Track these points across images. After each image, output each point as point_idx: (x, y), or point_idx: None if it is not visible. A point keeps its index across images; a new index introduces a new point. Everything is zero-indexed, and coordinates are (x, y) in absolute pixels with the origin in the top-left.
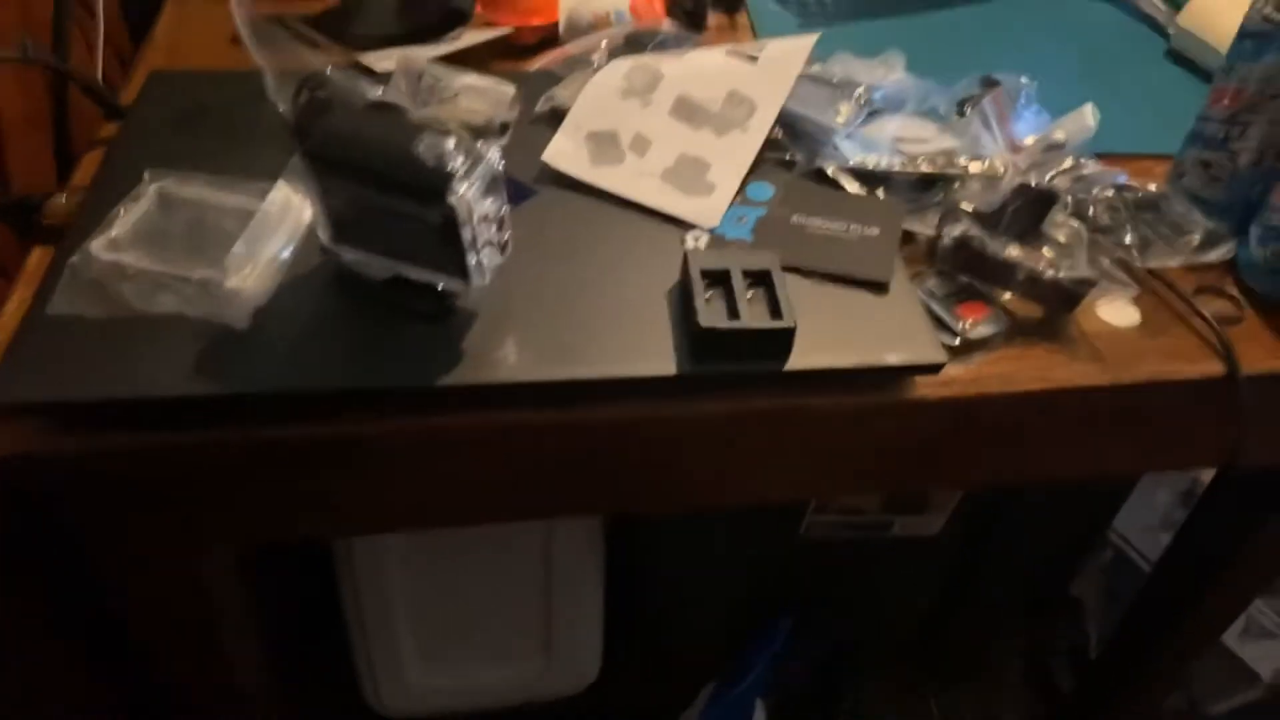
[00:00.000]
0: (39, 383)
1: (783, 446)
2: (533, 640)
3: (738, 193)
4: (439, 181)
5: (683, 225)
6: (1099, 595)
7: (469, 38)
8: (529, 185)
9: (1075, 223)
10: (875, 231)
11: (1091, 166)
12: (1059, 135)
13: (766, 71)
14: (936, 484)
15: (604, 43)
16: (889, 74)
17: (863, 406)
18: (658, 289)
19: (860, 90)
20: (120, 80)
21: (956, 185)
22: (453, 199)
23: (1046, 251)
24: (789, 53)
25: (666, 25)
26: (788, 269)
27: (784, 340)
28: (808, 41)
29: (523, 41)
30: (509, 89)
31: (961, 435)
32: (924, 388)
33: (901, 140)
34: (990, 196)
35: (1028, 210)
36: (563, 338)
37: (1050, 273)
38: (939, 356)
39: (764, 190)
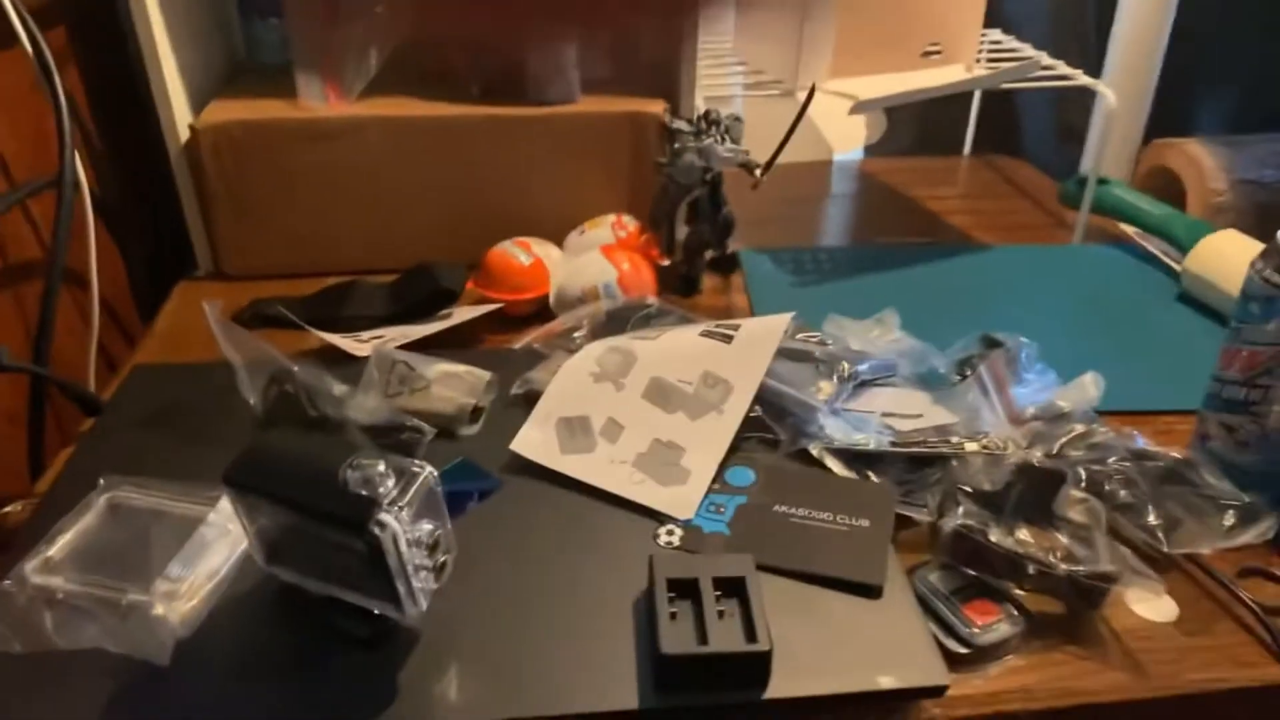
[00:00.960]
0: None
1: None
2: None
3: (715, 479)
4: (362, 510)
5: (657, 516)
6: None
7: (461, 314)
8: (494, 476)
9: (1092, 499)
10: (865, 523)
11: (1102, 433)
12: (1062, 404)
13: (742, 351)
14: None
15: (585, 323)
16: (884, 334)
17: None
18: (626, 597)
19: (844, 365)
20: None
21: (955, 463)
22: (377, 529)
23: (1061, 537)
24: (765, 330)
25: (651, 300)
26: (768, 569)
27: (759, 666)
28: (784, 319)
29: (517, 314)
30: (483, 376)
31: None
32: (930, 707)
33: (891, 415)
34: (994, 474)
35: (1035, 491)
36: (512, 666)
37: (1064, 567)
38: (941, 677)
39: (744, 475)
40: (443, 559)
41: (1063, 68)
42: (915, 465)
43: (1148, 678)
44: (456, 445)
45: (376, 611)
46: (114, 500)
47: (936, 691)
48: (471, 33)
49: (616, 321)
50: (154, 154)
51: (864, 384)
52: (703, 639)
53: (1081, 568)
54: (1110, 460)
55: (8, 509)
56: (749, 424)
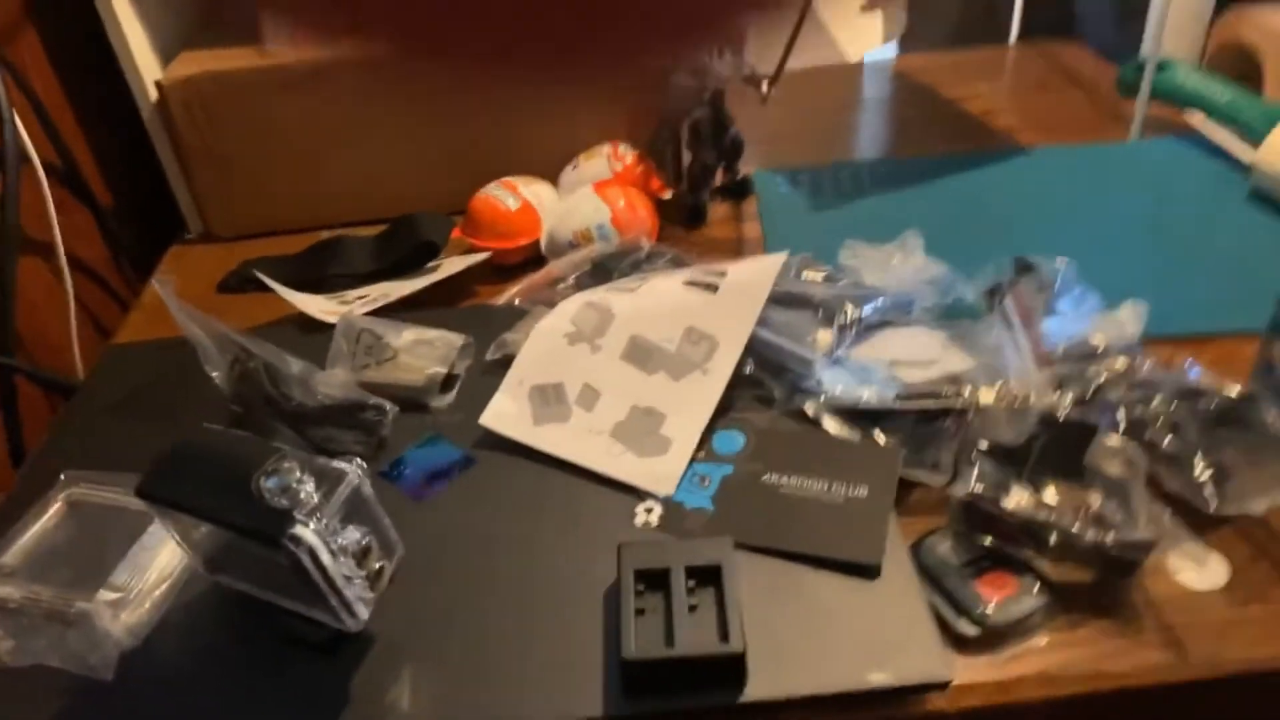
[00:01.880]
0: None
1: None
2: None
3: (700, 446)
4: (275, 524)
5: (636, 491)
6: None
7: (449, 266)
8: (466, 453)
9: (1130, 448)
10: (863, 492)
11: (1147, 368)
12: (1096, 340)
13: (728, 301)
14: None
15: (573, 277)
16: (906, 260)
17: None
18: (598, 586)
19: (847, 308)
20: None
21: (971, 416)
22: (291, 544)
23: (1091, 497)
24: (754, 276)
25: (644, 242)
26: (754, 549)
27: (733, 667)
28: (776, 260)
29: (507, 262)
30: (456, 341)
31: None
32: (937, 700)
33: (900, 364)
34: (1015, 427)
35: (1061, 445)
36: (473, 669)
37: (1090, 535)
38: (943, 671)
39: (733, 441)
40: (378, 565)
41: None
42: (928, 419)
43: (1187, 657)
44: (428, 418)
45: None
46: (72, 497)
47: (938, 687)
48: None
49: (603, 270)
50: (129, 115)
51: (874, 326)
52: (670, 640)
53: (1110, 536)
54: (1155, 401)
55: None
56: (742, 381)
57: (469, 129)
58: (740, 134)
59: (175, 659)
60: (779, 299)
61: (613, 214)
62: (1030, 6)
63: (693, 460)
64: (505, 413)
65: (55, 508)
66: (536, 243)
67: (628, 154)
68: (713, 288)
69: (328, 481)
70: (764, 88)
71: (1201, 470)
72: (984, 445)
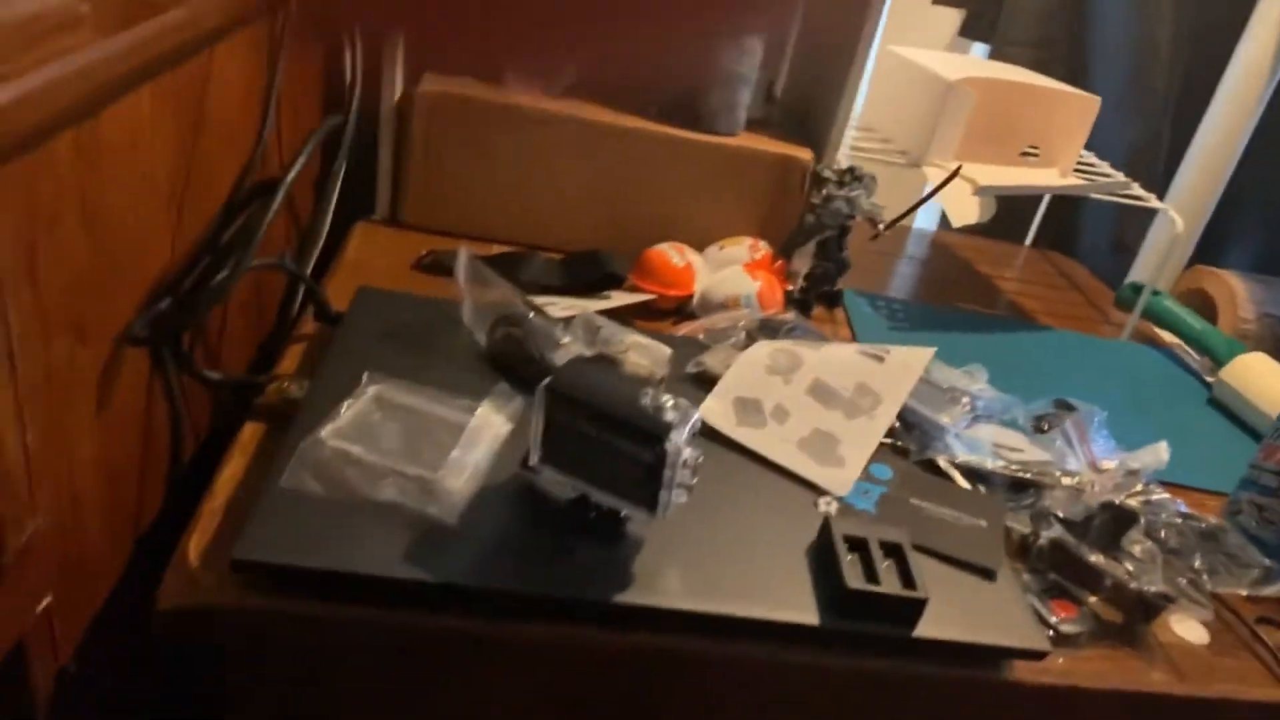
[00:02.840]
0: (276, 547)
1: (891, 713)
2: None
3: (863, 470)
4: (661, 429)
5: (815, 490)
6: None
7: (618, 298)
8: None
9: (1148, 542)
10: (983, 523)
11: (1159, 494)
12: (1135, 464)
13: (892, 371)
14: None
15: (741, 322)
16: (973, 383)
17: (969, 681)
18: (796, 544)
19: (967, 398)
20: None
21: (1047, 493)
22: (669, 445)
23: (1127, 564)
24: (912, 359)
25: (792, 316)
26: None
27: (916, 609)
28: (928, 353)
29: (660, 308)
30: (666, 350)
31: None
32: (1024, 673)
33: (998, 446)
34: (1075, 507)
35: (1111, 525)
36: (717, 576)
37: (1134, 584)
38: (1044, 645)
39: (885, 471)
40: (694, 481)
41: (1138, 189)
42: (1013, 489)
43: (1186, 681)
44: None
45: (623, 514)
46: (381, 394)
47: (1038, 655)
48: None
49: (769, 329)
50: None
51: (975, 418)
52: (873, 581)
53: (1148, 587)
54: (1163, 515)
55: (287, 385)
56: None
57: (644, 198)
58: (849, 257)
59: (492, 523)
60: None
61: (759, 289)
62: (1044, 224)
63: (857, 479)
64: (715, 411)
65: (367, 398)
66: (689, 297)
67: (763, 248)
68: (880, 359)
69: (683, 411)
70: (880, 227)
71: (1199, 562)
72: (1059, 513)
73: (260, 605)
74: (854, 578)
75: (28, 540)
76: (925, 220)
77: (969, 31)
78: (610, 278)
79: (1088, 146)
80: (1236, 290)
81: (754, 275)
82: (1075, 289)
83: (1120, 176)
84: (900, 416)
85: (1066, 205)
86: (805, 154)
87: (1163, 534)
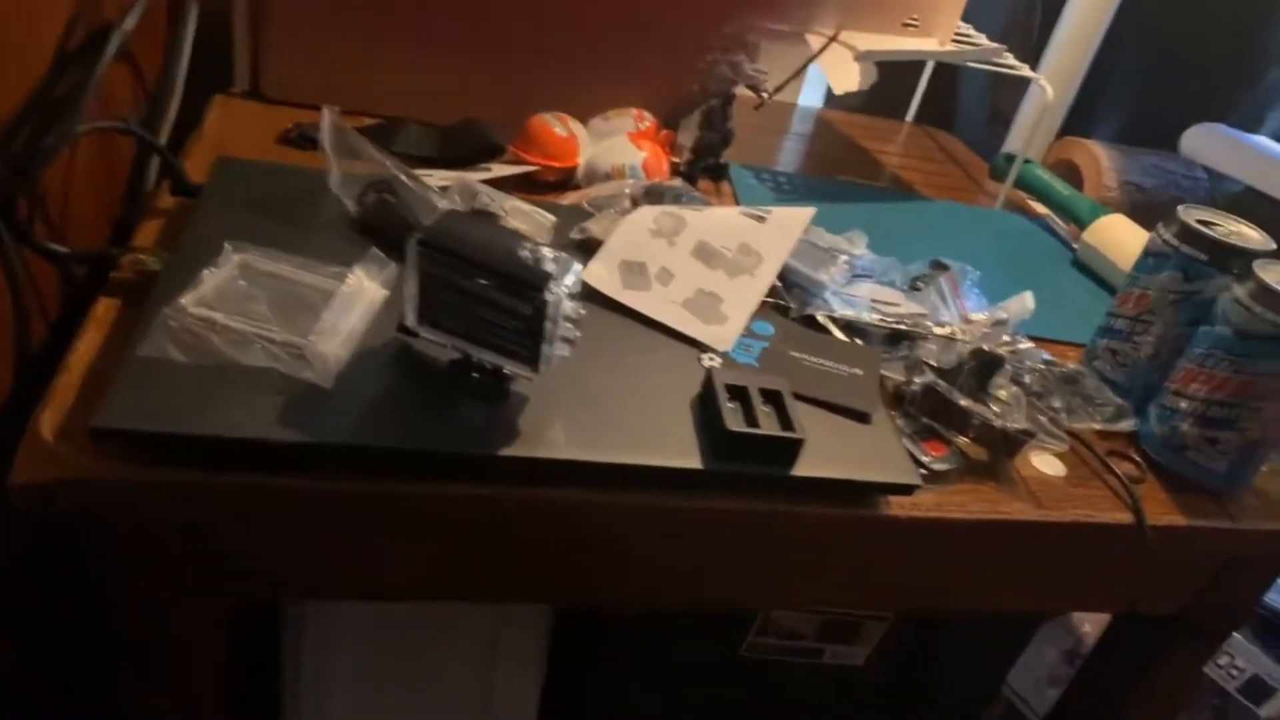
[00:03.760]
0: (138, 414)
1: (771, 551)
2: None
3: (745, 327)
4: (540, 278)
5: (699, 347)
6: None
7: (497, 170)
8: None
9: (1014, 387)
10: (859, 372)
11: (1025, 344)
12: (1003, 314)
13: (773, 231)
14: (890, 603)
15: (627, 190)
16: (853, 249)
17: (845, 518)
18: (681, 398)
19: (845, 257)
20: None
21: (920, 343)
22: (548, 295)
23: (993, 406)
24: (793, 219)
25: (679, 183)
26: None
27: (794, 449)
28: (808, 213)
29: (543, 179)
30: (549, 217)
31: (921, 554)
32: (896, 508)
33: (875, 302)
34: (947, 356)
35: (979, 371)
36: (603, 428)
37: (999, 422)
38: (915, 479)
39: (766, 328)
40: (577, 334)
41: (1011, 59)
42: (889, 341)
43: (1044, 508)
44: None
45: (506, 370)
46: (245, 261)
47: (909, 489)
48: None
49: (654, 196)
50: None
51: (854, 277)
52: (753, 424)
53: (1011, 425)
54: (1027, 362)
55: (144, 257)
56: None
57: (525, 63)
58: (734, 128)
59: (370, 385)
60: (799, 240)
61: (644, 160)
62: (924, 98)
63: (739, 335)
64: (600, 275)
65: (230, 266)
66: (573, 169)
67: (649, 119)
68: (761, 219)
69: (562, 264)
70: (765, 95)
71: (1058, 401)
72: (931, 361)
73: (125, 476)
74: (734, 421)
75: None
76: (809, 97)
77: None
78: (490, 148)
79: (965, 19)
80: (1101, 160)
81: (640, 146)
82: (953, 162)
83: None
84: (781, 276)
85: (945, 80)
86: (692, 20)
87: (1027, 379)
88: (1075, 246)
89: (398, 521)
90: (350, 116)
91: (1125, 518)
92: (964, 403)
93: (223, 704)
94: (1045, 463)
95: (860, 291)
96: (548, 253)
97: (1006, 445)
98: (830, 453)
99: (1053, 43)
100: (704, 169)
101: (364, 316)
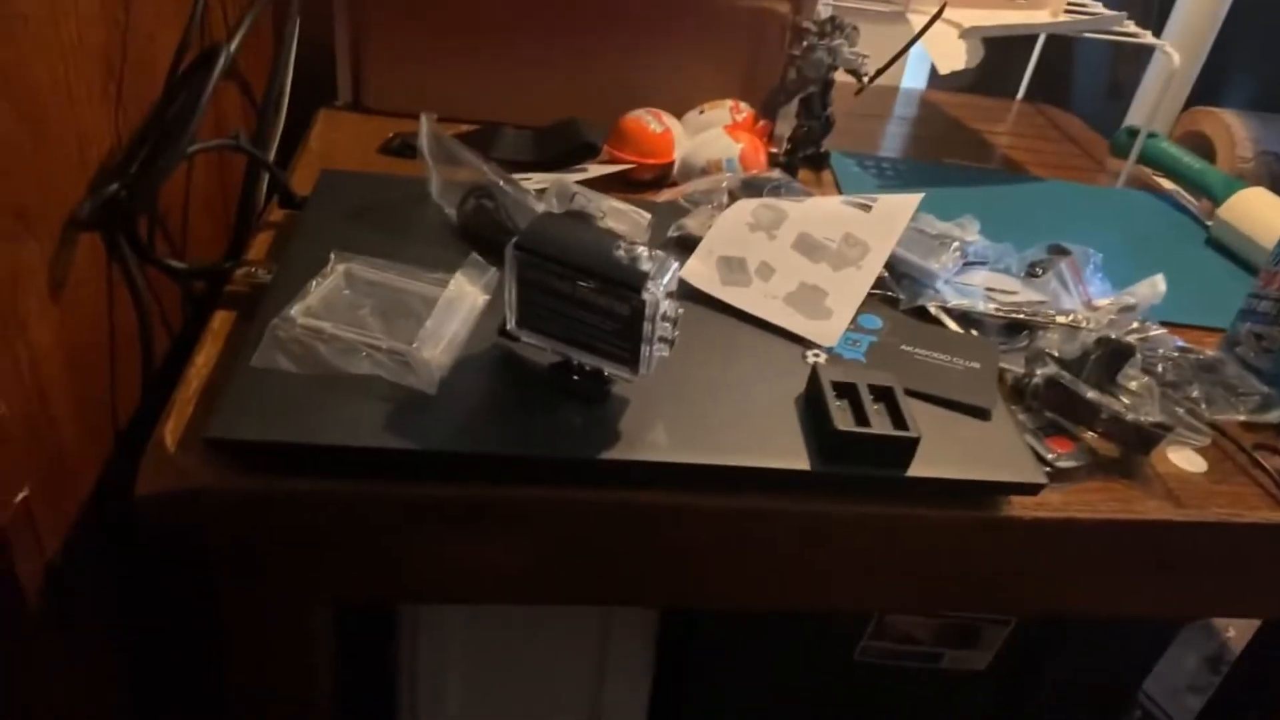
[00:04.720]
0: (250, 424)
1: (886, 554)
2: None
3: (851, 321)
4: (637, 279)
5: (803, 343)
6: None
7: (594, 170)
8: None
9: (1146, 377)
10: (976, 365)
11: (1156, 330)
12: (1130, 299)
13: (878, 220)
14: (1012, 608)
15: (724, 183)
16: (965, 235)
17: (966, 520)
18: (785, 396)
19: (956, 243)
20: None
21: (1041, 333)
22: (646, 295)
23: (1123, 398)
24: (899, 206)
25: (777, 173)
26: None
27: (908, 448)
28: (915, 199)
29: (639, 178)
30: (645, 216)
31: (1047, 557)
32: (1020, 509)
33: (991, 290)
34: (1071, 346)
35: (1106, 361)
36: (706, 429)
37: (1131, 415)
38: (1040, 478)
39: (873, 321)
40: (675, 334)
41: (1133, 27)
42: (1008, 332)
43: (1184, 507)
44: None
45: (606, 373)
46: (350, 270)
47: (1034, 488)
48: None
49: (752, 189)
50: None
51: (966, 265)
52: (863, 423)
53: (1145, 418)
54: (1160, 350)
55: (253, 269)
56: (875, 283)
57: (617, 63)
58: (834, 114)
59: (472, 391)
60: (907, 228)
61: (741, 152)
62: (1036, 73)
63: (845, 330)
64: (698, 272)
65: (336, 276)
66: (670, 165)
67: (745, 109)
68: (866, 208)
69: (660, 263)
70: (865, 80)
71: (1197, 392)
72: (1054, 352)
73: (241, 485)
74: (843, 420)
75: None
76: (913, 79)
77: None
78: (585, 148)
79: None
80: (1234, 129)
81: (736, 138)
82: (1069, 140)
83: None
84: (889, 266)
85: (1059, 54)
86: (783, 5)
87: (1160, 368)
88: (1209, 224)
89: (502, 526)
90: (450, 125)
91: (1275, 516)
92: (1091, 395)
93: (333, 707)
94: (1184, 458)
95: (974, 280)
96: (644, 252)
97: (1140, 440)
98: (947, 452)
99: (1177, 6)
100: (804, 158)
101: (466, 322)
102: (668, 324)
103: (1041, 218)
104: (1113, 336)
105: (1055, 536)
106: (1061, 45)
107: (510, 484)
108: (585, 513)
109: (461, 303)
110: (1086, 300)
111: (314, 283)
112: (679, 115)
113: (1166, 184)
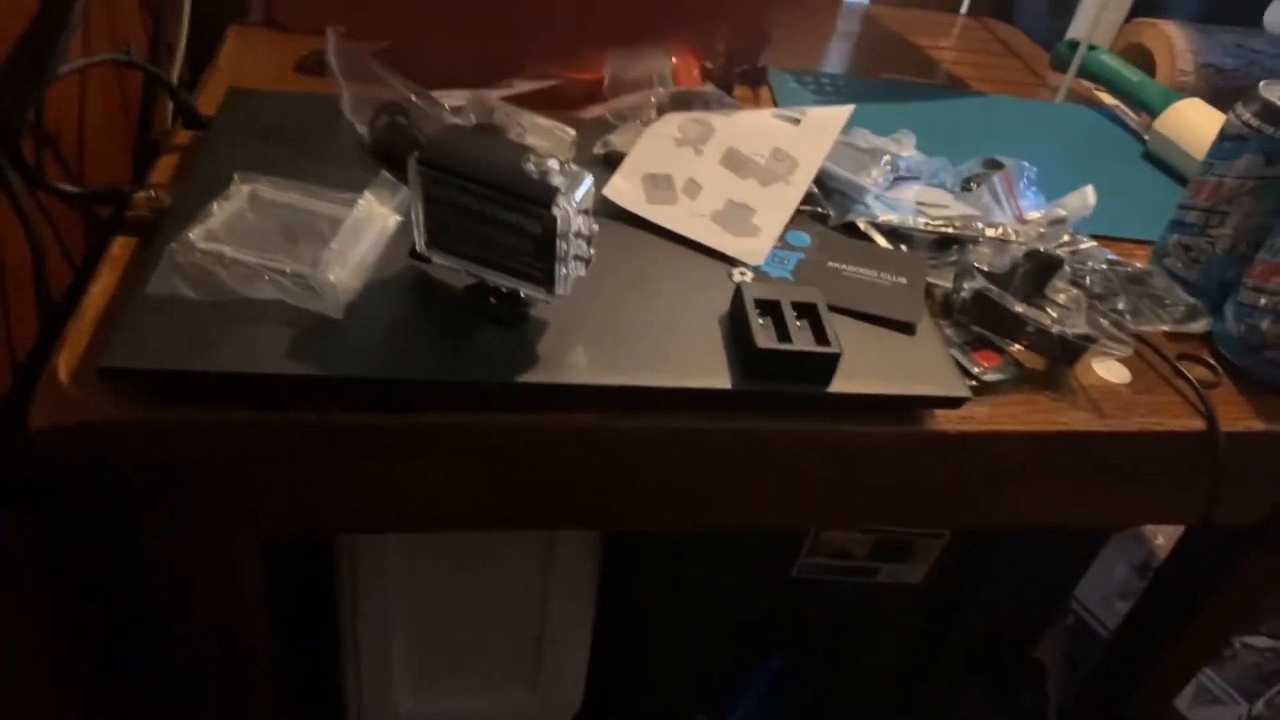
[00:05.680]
0: (146, 353)
1: (813, 471)
2: (521, 668)
3: (779, 238)
4: (546, 193)
5: (730, 261)
6: (1060, 660)
7: (518, 85)
8: None
9: (1074, 289)
10: (903, 280)
11: (1086, 243)
12: (1061, 212)
13: (808, 133)
14: (941, 521)
15: (653, 99)
16: (901, 149)
17: (890, 435)
18: (709, 315)
19: (887, 157)
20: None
21: (971, 247)
22: (556, 210)
23: (1050, 311)
24: (829, 119)
25: (709, 88)
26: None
27: (829, 365)
28: (845, 111)
29: (568, 94)
30: (569, 132)
31: (973, 470)
32: (944, 422)
33: (922, 205)
34: (1000, 259)
35: (1034, 274)
36: (627, 351)
37: (1057, 328)
38: (964, 391)
39: (802, 238)
40: (592, 253)
41: None
42: (938, 247)
43: (1105, 418)
44: None
45: (522, 294)
46: (255, 192)
47: (957, 402)
48: None
49: (682, 104)
50: None
51: (898, 179)
52: (785, 340)
53: (1070, 330)
54: (1089, 263)
55: (154, 192)
56: (804, 199)
57: None
58: (771, 30)
59: (382, 314)
60: (836, 143)
61: (674, 65)
62: None
63: (773, 247)
64: (623, 190)
65: (239, 197)
66: (599, 81)
67: None
68: (796, 121)
69: (572, 176)
70: None
71: (1122, 303)
72: (982, 266)
73: (138, 416)
74: (764, 338)
75: None
76: None
77: None
78: None
79: None
80: (1175, 41)
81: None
82: (1013, 55)
83: None
84: (819, 181)
85: None
86: None
87: (1088, 280)
88: (1146, 137)
89: (419, 454)
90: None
91: (1197, 425)
92: (1018, 308)
93: (269, 640)
94: (1108, 369)
95: (906, 195)
96: (555, 165)
97: (1064, 352)
98: (871, 367)
99: None
100: (740, 74)
101: (376, 244)
102: (582, 241)
103: (982, 133)
104: (1041, 249)
105: (982, 449)
106: None
107: (426, 410)
108: (507, 439)
109: (371, 224)
110: (1018, 214)
111: (215, 205)
112: None
113: (1107, 98)
